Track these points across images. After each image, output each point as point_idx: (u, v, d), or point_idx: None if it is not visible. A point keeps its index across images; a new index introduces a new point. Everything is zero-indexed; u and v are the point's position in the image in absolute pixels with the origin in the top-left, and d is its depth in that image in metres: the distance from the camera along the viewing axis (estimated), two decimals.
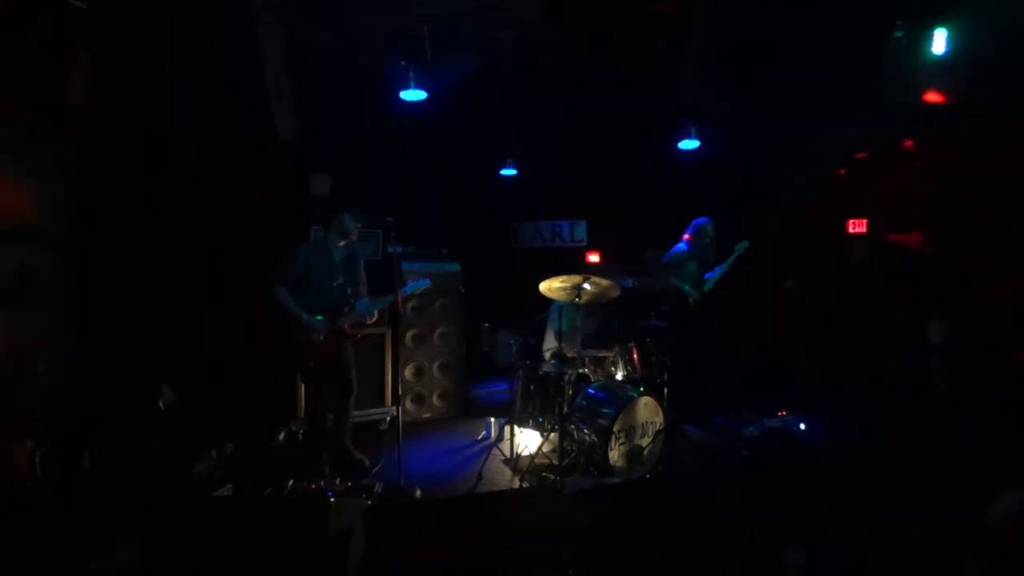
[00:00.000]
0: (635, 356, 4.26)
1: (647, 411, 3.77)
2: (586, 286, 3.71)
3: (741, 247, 4.76)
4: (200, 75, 4.10)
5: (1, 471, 2.99)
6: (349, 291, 3.79)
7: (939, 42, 3.82)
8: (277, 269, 3.60)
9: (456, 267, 5.30)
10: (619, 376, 4.26)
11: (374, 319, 3.86)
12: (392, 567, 2.53)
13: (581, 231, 6.71)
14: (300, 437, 4.09)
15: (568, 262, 5.73)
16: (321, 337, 3.60)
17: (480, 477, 3.70)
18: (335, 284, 3.72)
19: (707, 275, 4.80)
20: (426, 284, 3.88)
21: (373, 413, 4.68)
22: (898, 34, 4.01)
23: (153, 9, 3.75)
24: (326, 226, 3.86)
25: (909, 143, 5.38)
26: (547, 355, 4.79)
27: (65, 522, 2.85)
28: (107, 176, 3.78)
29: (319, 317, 3.60)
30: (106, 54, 3.63)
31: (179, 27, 3.89)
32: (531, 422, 4.11)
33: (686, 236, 4.84)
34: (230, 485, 3.33)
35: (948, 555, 2.50)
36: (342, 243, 3.77)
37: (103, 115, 3.68)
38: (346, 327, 3.70)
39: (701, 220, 4.80)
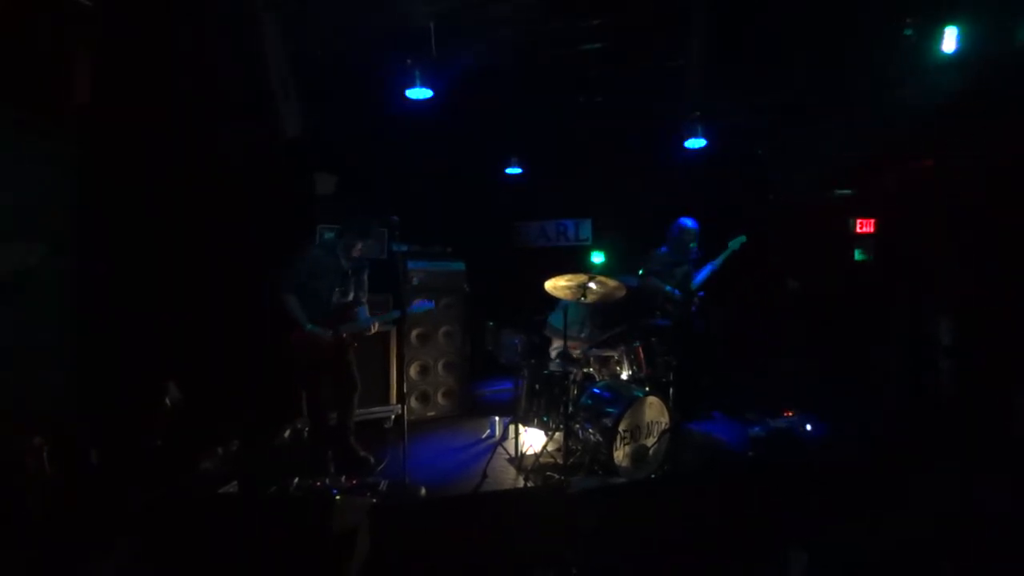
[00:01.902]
0: (640, 355, 4.25)
1: (652, 411, 3.76)
2: (592, 285, 3.71)
3: (736, 242, 4.72)
4: (204, 74, 4.10)
5: (4, 470, 3.00)
6: (351, 299, 3.80)
7: (949, 40, 3.78)
8: (285, 279, 3.61)
9: (461, 266, 5.30)
10: (624, 376, 4.25)
11: (373, 330, 3.87)
12: (397, 565, 2.53)
13: (586, 230, 6.70)
14: (305, 435, 4.10)
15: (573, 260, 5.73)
16: (325, 342, 3.62)
17: (485, 476, 3.70)
18: (339, 291, 3.73)
19: (700, 272, 4.78)
20: (430, 307, 3.93)
21: (378, 411, 4.68)
22: (907, 32, 3.97)
23: (156, 7, 3.75)
24: (337, 233, 3.87)
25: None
26: (552, 354, 4.79)
27: (67, 521, 2.86)
28: (109, 175, 3.79)
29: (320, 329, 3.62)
30: (108, 53, 3.62)
31: (182, 25, 3.89)
32: (536, 421, 4.10)
33: (668, 237, 4.83)
34: (235, 483, 3.33)
35: (946, 555, 2.51)
36: (352, 254, 3.77)
37: (104, 114, 3.68)
38: (344, 336, 3.71)
39: (677, 221, 4.78)
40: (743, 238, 4.72)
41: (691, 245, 4.75)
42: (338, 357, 3.77)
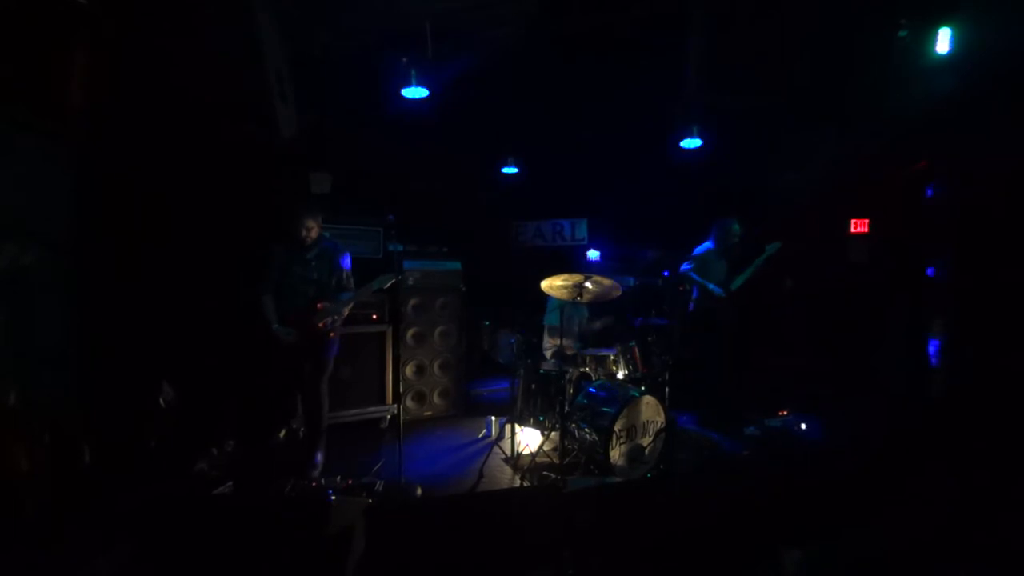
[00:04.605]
0: (636, 355, 4.27)
1: (648, 410, 3.77)
2: (588, 285, 3.71)
3: (773, 247, 4.70)
4: (202, 74, 4.09)
5: (1, 471, 2.99)
6: (323, 288, 3.73)
7: (943, 41, 3.80)
8: (264, 280, 3.64)
9: (457, 265, 5.30)
10: (620, 375, 4.26)
11: (346, 312, 3.79)
12: (393, 565, 2.53)
13: (582, 230, 6.71)
14: (301, 435, 4.09)
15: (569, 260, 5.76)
16: (290, 341, 3.61)
17: (481, 476, 3.70)
18: (308, 280, 3.69)
19: (741, 274, 4.79)
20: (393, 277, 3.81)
21: (374, 411, 4.68)
22: (902, 33, 3.99)
23: (153, 7, 3.75)
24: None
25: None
26: (548, 354, 4.79)
27: (65, 522, 2.85)
28: (106, 174, 3.77)
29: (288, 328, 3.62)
30: (106, 52, 3.62)
31: (181, 26, 3.89)
32: (532, 421, 4.11)
33: (712, 235, 4.85)
34: (231, 483, 3.32)
35: (944, 555, 2.52)
36: (309, 241, 3.72)
37: (103, 113, 3.67)
38: (321, 324, 3.65)
39: (726, 219, 4.81)
40: (779, 244, 4.70)
41: (735, 243, 4.81)
42: (315, 350, 3.72)
